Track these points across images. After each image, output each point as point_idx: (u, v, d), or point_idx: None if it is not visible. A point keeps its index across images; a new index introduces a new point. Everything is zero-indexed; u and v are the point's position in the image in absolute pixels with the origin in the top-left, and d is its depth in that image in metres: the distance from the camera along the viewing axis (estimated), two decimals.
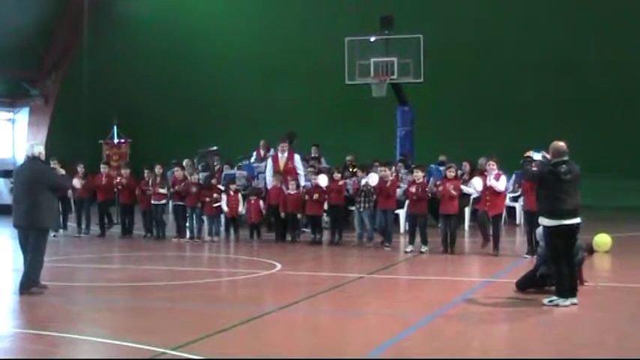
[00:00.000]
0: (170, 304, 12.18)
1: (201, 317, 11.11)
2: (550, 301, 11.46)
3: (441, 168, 21.15)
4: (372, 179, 18.29)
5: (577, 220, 11.48)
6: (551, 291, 11.81)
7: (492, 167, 17.06)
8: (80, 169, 21.34)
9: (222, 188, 20.36)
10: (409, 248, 17.55)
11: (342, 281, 13.94)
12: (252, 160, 24.15)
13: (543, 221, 11.61)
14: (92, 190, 21.45)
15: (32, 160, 12.84)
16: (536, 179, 12.09)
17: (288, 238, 19.64)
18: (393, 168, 20.30)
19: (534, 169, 12.12)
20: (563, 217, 11.36)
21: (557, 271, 11.50)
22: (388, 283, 14.37)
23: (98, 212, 21.28)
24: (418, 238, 17.56)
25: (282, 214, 19.51)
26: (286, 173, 20.10)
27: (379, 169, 18.98)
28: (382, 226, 18.33)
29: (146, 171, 20.83)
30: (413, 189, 17.69)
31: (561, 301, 11.37)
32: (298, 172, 20.38)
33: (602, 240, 17.03)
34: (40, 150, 12.92)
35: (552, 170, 11.50)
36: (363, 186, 18.62)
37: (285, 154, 20.50)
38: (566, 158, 11.54)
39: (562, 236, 11.42)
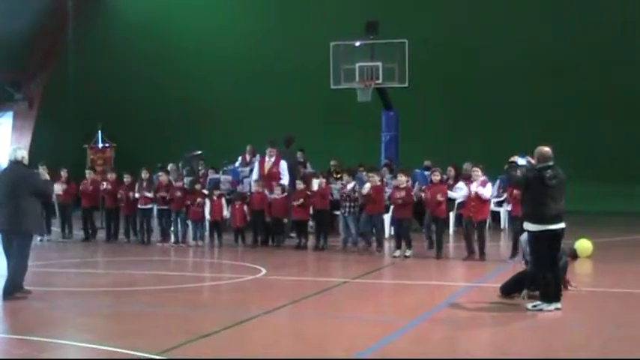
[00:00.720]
0: (155, 308, 12.15)
1: (186, 321, 11.09)
2: (534, 306, 11.50)
3: (426, 173, 21.20)
4: (365, 189, 18.24)
5: (561, 225, 11.51)
6: (536, 296, 11.85)
7: (478, 174, 17.09)
8: (64, 173, 21.22)
9: (207, 193, 20.33)
10: (397, 253, 17.57)
11: (327, 286, 13.95)
12: (237, 164, 24.09)
13: (528, 226, 11.63)
14: (76, 195, 21.34)
15: (15, 164, 12.77)
16: (521, 184, 12.08)
17: (270, 242, 19.62)
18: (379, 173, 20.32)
19: (519, 174, 12.12)
20: (547, 222, 11.38)
21: (541, 275, 11.53)
22: (373, 287, 14.39)
23: (82, 218, 21.17)
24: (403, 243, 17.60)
25: (268, 219, 19.49)
26: (270, 177, 20.05)
27: (368, 174, 18.96)
28: (366, 231, 18.36)
29: (126, 175, 20.76)
30: (398, 194, 17.72)
31: (545, 306, 11.40)
32: (282, 177, 20.28)
33: (583, 245, 17.03)
34: (22, 154, 12.86)
35: (537, 175, 11.51)
36: (350, 191, 18.62)
37: (272, 159, 20.44)
38: (551, 163, 11.57)
39: (546, 241, 11.45)
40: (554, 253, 11.58)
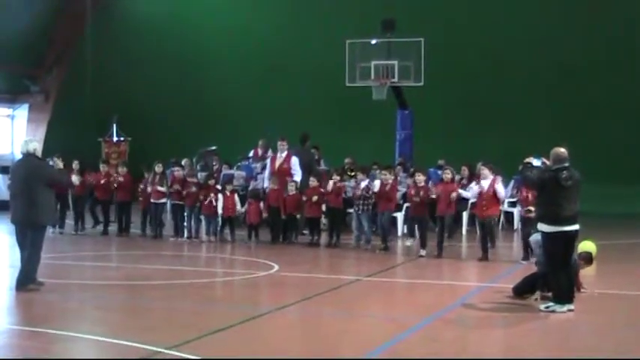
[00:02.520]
0: (167, 303, 12.16)
1: (198, 317, 11.10)
2: (547, 307, 11.46)
3: (440, 172, 21.16)
4: (375, 186, 18.25)
5: (576, 226, 11.47)
6: (549, 297, 11.81)
7: (485, 172, 17.02)
8: (75, 165, 21.23)
9: (220, 188, 20.34)
10: (408, 242, 17.56)
11: (340, 283, 13.93)
12: (250, 158, 24.08)
13: (543, 227, 11.57)
14: (89, 187, 21.39)
15: (28, 156, 12.80)
16: (536, 185, 11.99)
17: (281, 239, 19.64)
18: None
19: (534, 175, 12.04)
20: (562, 223, 11.33)
21: (554, 277, 11.49)
22: (385, 286, 14.38)
23: (89, 206, 21.35)
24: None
25: (284, 216, 19.50)
26: (280, 173, 20.02)
27: (382, 173, 18.96)
28: (384, 230, 18.37)
29: (145, 171, 20.82)
30: (414, 192, 17.69)
31: (558, 307, 11.36)
32: (293, 173, 20.25)
33: (586, 247, 16.78)
34: (35, 146, 12.89)
35: (553, 176, 11.45)
36: (363, 189, 18.60)
37: (284, 155, 20.40)
38: (567, 164, 11.50)
39: (561, 242, 11.40)
40: (569, 254, 11.54)
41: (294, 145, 21.29)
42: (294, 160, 20.39)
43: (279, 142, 20.58)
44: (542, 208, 11.61)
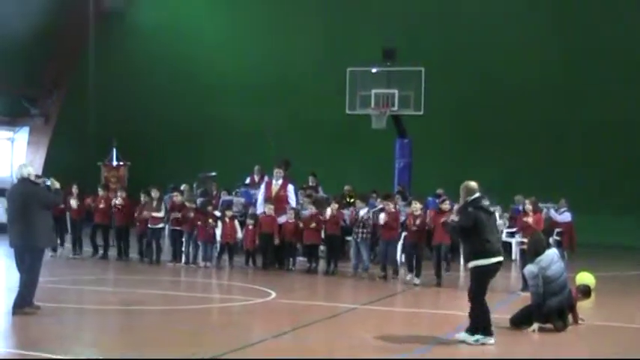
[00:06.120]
0: (162, 328, 12.15)
1: (194, 343, 11.06)
2: (476, 341, 11.24)
3: (438, 201, 21.17)
4: (382, 218, 18.28)
5: (502, 258, 11.49)
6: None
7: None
8: (74, 189, 21.24)
9: (219, 214, 20.34)
10: (409, 277, 17.61)
11: (337, 311, 13.92)
12: (247, 185, 24.15)
13: (478, 262, 11.31)
14: (87, 211, 21.34)
15: (22, 181, 12.84)
16: (470, 220, 11.44)
17: (277, 266, 19.61)
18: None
19: (457, 221, 11.94)
20: (495, 255, 11.32)
21: (482, 309, 11.34)
22: (382, 314, 14.34)
23: (91, 232, 21.18)
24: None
25: (277, 242, 19.48)
26: (278, 201, 20.02)
27: (383, 202, 19.01)
28: (384, 259, 18.37)
29: (142, 195, 20.80)
30: (412, 221, 17.76)
31: (487, 340, 11.25)
32: (290, 201, 20.26)
33: (584, 278, 16.71)
34: (29, 171, 12.93)
35: (477, 206, 11.43)
36: (362, 217, 18.61)
37: (280, 182, 20.39)
38: (479, 195, 11.52)
39: (493, 274, 11.40)
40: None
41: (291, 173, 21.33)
42: (290, 188, 20.45)
43: (275, 170, 20.62)
44: (475, 243, 11.35)
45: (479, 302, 11.32)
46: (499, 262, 11.33)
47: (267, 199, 20.07)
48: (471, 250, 11.47)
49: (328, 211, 19.29)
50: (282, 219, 19.69)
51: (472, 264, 11.39)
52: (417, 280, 17.50)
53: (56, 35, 32.76)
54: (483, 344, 11.19)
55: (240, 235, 20.14)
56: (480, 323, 11.27)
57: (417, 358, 10.58)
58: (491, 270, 11.31)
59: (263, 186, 21.03)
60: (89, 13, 30.69)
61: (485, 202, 11.47)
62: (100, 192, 21.56)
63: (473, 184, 11.62)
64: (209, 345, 10.84)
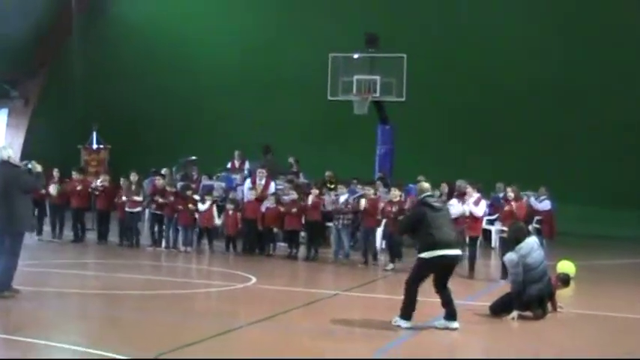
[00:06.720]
0: (143, 314, 12.12)
1: (174, 329, 11.05)
2: (395, 321, 11.44)
3: None
4: (362, 204, 18.29)
5: (455, 251, 11.56)
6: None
7: (471, 192, 17.13)
8: (55, 173, 21.07)
9: (198, 199, 20.29)
10: (389, 266, 17.63)
11: (318, 297, 13.95)
12: (227, 168, 24.15)
13: (421, 254, 11.53)
14: (67, 195, 21.17)
15: (2, 164, 12.74)
16: (413, 215, 12.01)
17: (257, 251, 19.60)
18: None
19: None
20: (441, 247, 11.37)
21: (411, 296, 11.43)
22: (363, 301, 14.36)
23: (72, 218, 21.02)
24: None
25: (260, 228, 19.47)
26: (261, 200, 20.00)
27: (364, 188, 19.06)
28: (365, 245, 18.41)
29: (122, 179, 20.72)
30: (391, 207, 17.79)
31: (403, 323, 11.36)
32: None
33: (565, 267, 16.83)
34: (9, 153, 12.83)
35: (424, 202, 11.70)
36: (342, 203, 18.62)
37: (263, 182, 20.40)
38: (430, 193, 11.82)
39: (438, 268, 11.42)
40: (446, 279, 11.55)
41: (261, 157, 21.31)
42: (273, 187, 20.47)
43: (258, 170, 20.69)
44: (421, 237, 11.59)
45: (411, 288, 11.45)
46: (445, 257, 11.35)
47: (253, 187, 20.09)
48: (418, 243, 11.77)
49: (310, 197, 19.27)
50: (263, 205, 19.69)
51: (418, 256, 11.61)
52: (390, 266, 17.61)
53: (40, 20, 32.49)
54: (399, 326, 11.30)
55: (217, 221, 20.11)
56: (406, 307, 11.40)
57: (398, 345, 10.59)
58: (435, 263, 11.36)
59: (249, 179, 21.05)
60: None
61: (434, 200, 11.68)
62: (76, 175, 21.33)
63: (425, 185, 12.09)
64: (189, 331, 10.82)
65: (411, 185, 22.32)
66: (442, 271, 11.46)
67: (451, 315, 11.44)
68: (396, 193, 18.13)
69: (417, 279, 11.49)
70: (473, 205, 17.07)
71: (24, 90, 33.79)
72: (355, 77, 26.12)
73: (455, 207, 17.39)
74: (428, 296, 11.65)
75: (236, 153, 24.29)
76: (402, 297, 11.49)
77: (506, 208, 17.28)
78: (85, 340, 10.06)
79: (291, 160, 24.80)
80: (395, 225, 17.76)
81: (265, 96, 31.70)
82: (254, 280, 15.49)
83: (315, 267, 18.27)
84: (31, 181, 12.99)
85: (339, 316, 12.32)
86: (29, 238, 19.35)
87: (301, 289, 15.38)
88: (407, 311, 11.41)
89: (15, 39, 31.15)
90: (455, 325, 11.37)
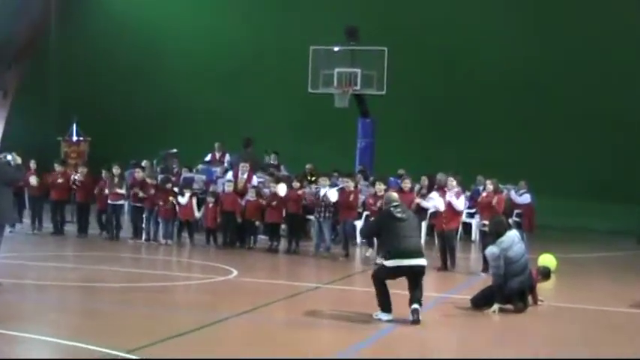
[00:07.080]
0: (124, 306, 12.08)
1: (156, 321, 11.03)
2: (376, 315, 11.51)
3: (400, 181, 21.23)
4: (332, 195, 18.30)
5: (420, 260, 11.51)
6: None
7: (453, 184, 17.16)
8: (32, 164, 20.86)
9: (177, 191, 20.20)
10: (368, 252, 17.63)
11: (299, 290, 13.94)
12: (207, 160, 24.11)
13: (383, 261, 11.70)
14: (46, 187, 21.02)
15: None
16: (374, 223, 12.48)
17: (238, 244, 19.57)
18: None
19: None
20: (404, 256, 11.39)
21: (378, 286, 11.54)
22: (344, 294, 14.39)
23: (51, 211, 20.88)
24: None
25: (239, 220, 19.43)
26: (242, 194, 19.95)
27: (342, 180, 19.09)
28: (345, 238, 18.45)
29: (104, 171, 20.62)
30: (373, 201, 17.83)
31: (383, 316, 11.40)
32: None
33: (546, 260, 16.88)
34: None
35: (387, 210, 11.79)
36: (323, 197, 18.62)
37: (245, 176, 20.36)
38: (396, 204, 11.80)
39: (403, 274, 11.46)
40: (416, 283, 11.54)
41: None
42: (255, 180, 20.44)
43: (240, 164, 20.61)
44: (384, 245, 11.79)
45: (376, 283, 11.54)
46: (409, 267, 11.33)
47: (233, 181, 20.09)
48: (383, 249, 12.02)
49: (281, 191, 19.11)
50: (244, 198, 19.66)
51: (382, 262, 11.78)
52: (368, 252, 17.67)
53: (20, 12, 32.24)
54: (380, 320, 11.32)
55: (197, 214, 20.07)
56: (381, 301, 11.48)
57: (379, 337, 10.61)
58: (395, 272, 11.42)
59: (231, 172, 21.01)
60: None
61: (398, 211, 11.62)
62: (57, 167, 21.24)
63: (394, 195, 12.31)
64: (169, 323, 10.80)
65: (391, 178, 22.41)
66: (408, 276, 11.46)
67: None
68: (380, 187, 18.12)
69: (381, 277, 11.57)
70: (454, 197, 17.07)
71: (2, 82, 33.53)
72: (336, 70, 26.16)
73: (435, 200, 17.46)
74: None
75: (216, 145, 24.27)
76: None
77: (482, 198, 17.42)
78: (65, 332, 10.02)
79: (271, 156, 24.77)
80: None
81: (245, 89, 31.59)
82: (235, 272, 15.47)
83: (297, 260, 18.26)
84: (11, 172, 12.93)
85: (321, 309, 12.33)
86: (10, 231, 19.40)
87: (282, 282, 15.37)
88: (383, 304, 11.45)
89: None
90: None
